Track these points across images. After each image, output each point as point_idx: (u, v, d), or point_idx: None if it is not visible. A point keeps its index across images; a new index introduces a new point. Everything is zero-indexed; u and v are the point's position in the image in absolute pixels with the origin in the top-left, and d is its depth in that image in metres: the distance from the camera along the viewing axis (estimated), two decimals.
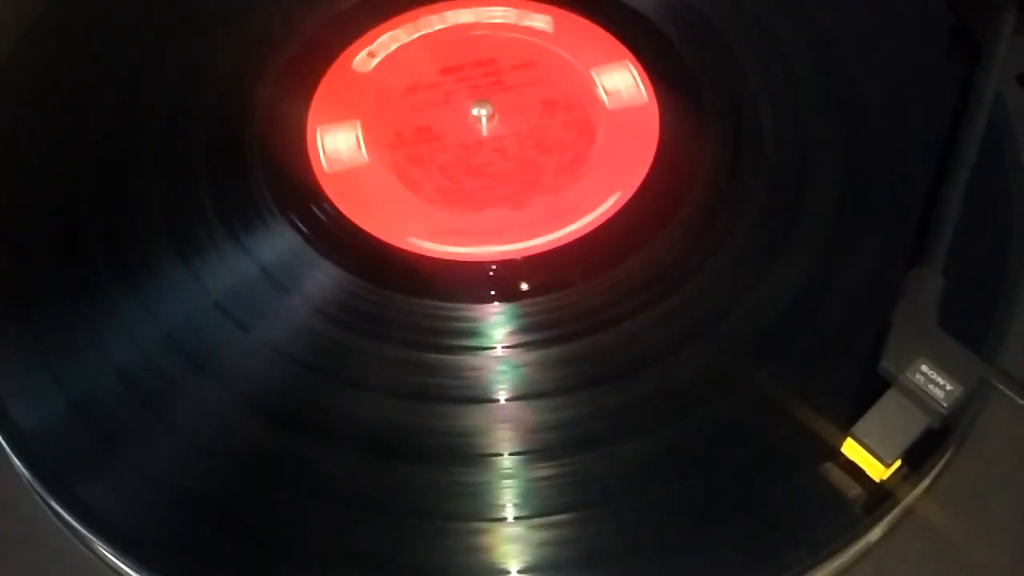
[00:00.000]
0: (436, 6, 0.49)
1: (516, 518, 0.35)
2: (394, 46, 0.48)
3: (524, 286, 0.40)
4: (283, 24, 0.49)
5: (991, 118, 0.42)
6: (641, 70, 0.47)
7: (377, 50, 0.48)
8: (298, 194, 0.43)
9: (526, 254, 0.41)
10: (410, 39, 0.48)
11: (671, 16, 0.48)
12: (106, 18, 0.51)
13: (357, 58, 0.48)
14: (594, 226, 0.42)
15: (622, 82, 0.46)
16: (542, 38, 0.48)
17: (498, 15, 0.49)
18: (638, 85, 0.46)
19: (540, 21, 0.49)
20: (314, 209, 0.43)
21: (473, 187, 0.43)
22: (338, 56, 0.48)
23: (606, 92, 0.46)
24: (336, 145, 0.45)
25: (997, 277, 0.39)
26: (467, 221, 0.42)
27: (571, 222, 0.42)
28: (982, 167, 0.41)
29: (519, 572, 0.34)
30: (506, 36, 0.48)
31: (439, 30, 0.49)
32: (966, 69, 0.44)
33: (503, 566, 0.34)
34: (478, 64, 0.47)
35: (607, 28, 0.48)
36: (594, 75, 0.47)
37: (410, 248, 0.42)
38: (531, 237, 0.42)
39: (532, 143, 0.45)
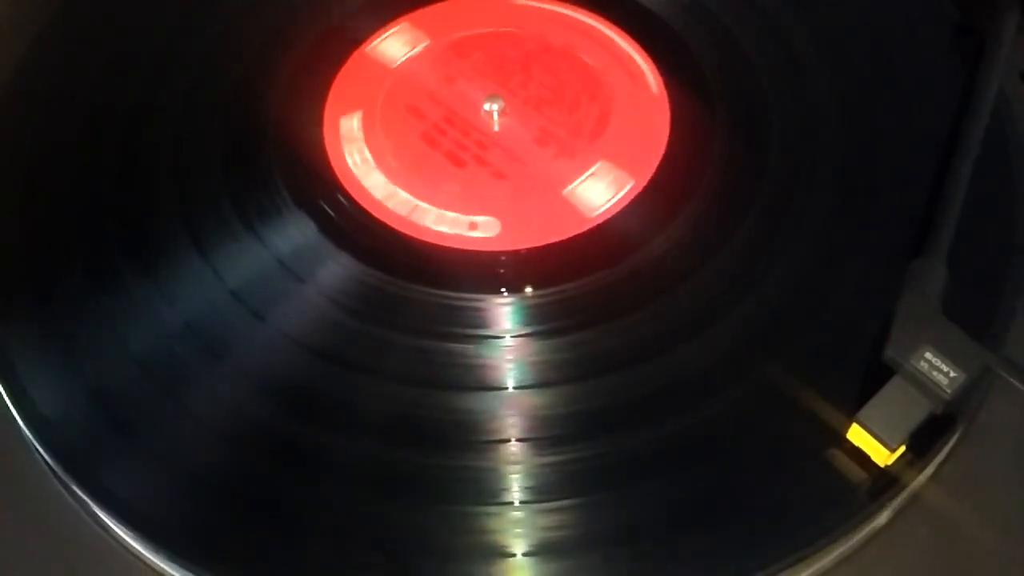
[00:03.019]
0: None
1: (522, 502, 0.35)
2: (414, 36, 0.49)
3: (531, 283, 0.41)
4: (301, 14, 0.50)
5: (994, 113, 0.43)
6: (652, 65, 0.47)
7: (396, 40, 0.49)
8: (314, 185, 0.44)
9: (536, 244, 0.42)
10: (431, 29, 0.49)
11: (680, 13, 0.48)
12: (121, 13, 0.51)
13: (376, 48, 0.49)
14: (604, 218, 0.42)
15: (635, 76, 0.47)
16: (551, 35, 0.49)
17: None
18: (649, 79, 0.47)
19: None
20: (329, 200, 0.43)
21: (483, 181, 0.44)
22: (357, 47, 0.48)
23: (618, 87, 0.47)
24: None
25: (1000, 267, 0.40)
26: (479, 212, 0.43)
27: (581, 214, 0.43)
28: (985, 160, 0.41)
29: (524, 555, 0.35)
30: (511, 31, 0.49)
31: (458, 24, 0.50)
32: (970, 66, 0.45)
33: (509, 548, 0.35)
34: (491, 58, 0.48)
35: (620, 25, 0.49)
36: (606, 73, 0.47)
37: (423, 238, 0.42)
38: (542, 228, 0.42)
39: (544, 136, 0.45)
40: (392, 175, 0.44)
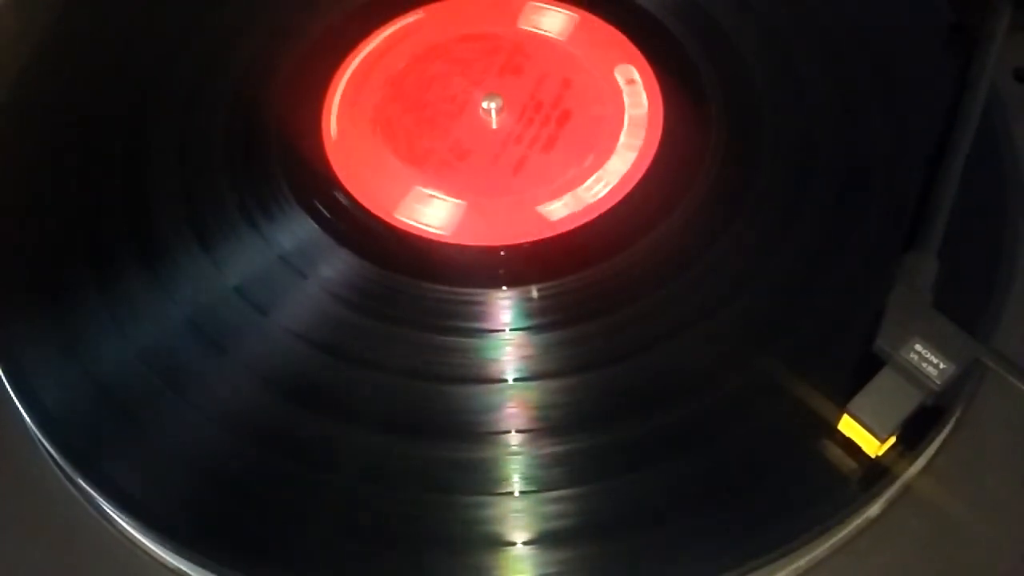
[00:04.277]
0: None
1: (522, 492, 0.36)
2: (416, 34, 0.49)
3: (531, 277, 0.41)
4: (302, 12, 0.50)
5: (986, 110, 0.43)
6: (645, 64, 0.47)
7: (398, 37, 0.49)
8: (314, 182, 0.44)
9: (534, 240, 0.42)
10: (434, 27, 0.50)
11: (674, 11, 0.49)
12: (121, 15, 0.52)
13: (378, 45, 0.49)
14: (599, 212, 0.43)
15: (626, 75, 0.47)
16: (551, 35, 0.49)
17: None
18: (641, 79, 0.47)
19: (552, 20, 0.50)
20: (329, 197, 0.44)
21: (481, 176, 0.45)
22: (357, 44, 0.49)
23: (612, 86, 0.47)
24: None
25: (991, 261, 0.40)
26: (475, 207, 0.44)
27: (577, 210, 0.43)
28: (977, 155, 0.42)
29: (524, 544, 0.35)
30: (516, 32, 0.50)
31: (457, 26, 0.50)
32: (963, 63, 0.45)
33: (509, 538, 0.35)
34: (489, 56, 0.48)
35: (615, 25, 0.49)
36: (617, 120, 0.47)
37: (423, 233, 0.43)
38: (538, 224, 0.43)
39: (540, 135, 0.46)
40: (394, 170, 0.45)
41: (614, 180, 0.44)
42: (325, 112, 0.47)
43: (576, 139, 0.46)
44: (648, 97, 0.46)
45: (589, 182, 0.44)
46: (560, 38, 0.49)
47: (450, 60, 0.48)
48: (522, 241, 0.42)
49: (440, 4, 0.50)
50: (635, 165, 0.44)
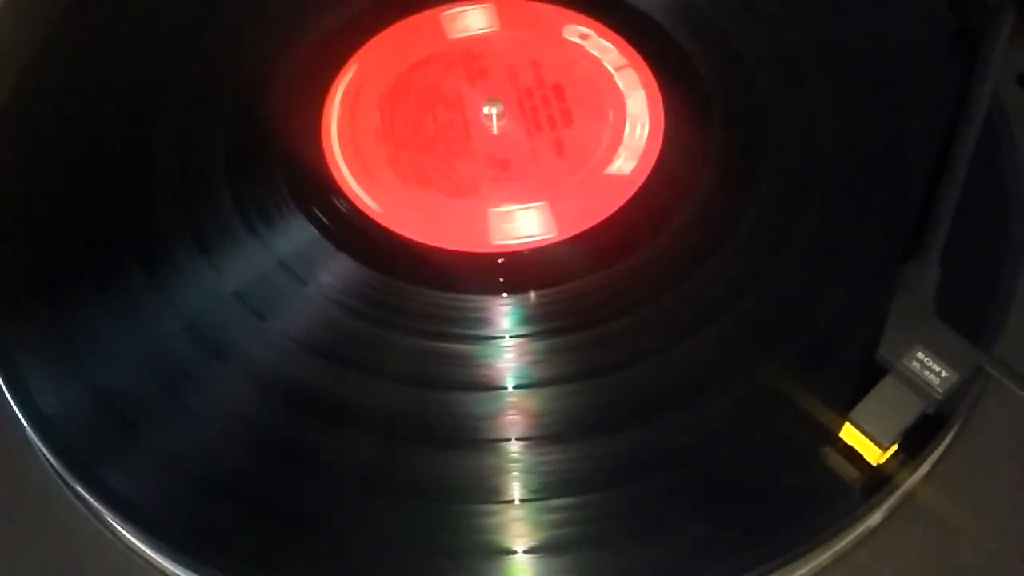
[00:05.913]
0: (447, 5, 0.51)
1: (522, 501, 0.36)
2: (415, 38, 0.49)
3: (531, 284, 0.41)
4: (302, 19, 0.50)
5: (989, 117, 0.43)
6: (646, 70, 0.47)
7: (397, 42, 0.49)
8: (315, 188, 0.44)
9: (533, 247, 0.42)
10: (433, 32, 0.50)
11: (674, 15, 0.49)
12: (122, 18, 0.52)
13: (377, 50, 0.49)
14: (599, 221, 0.43)
15: (628, 80, 0.47)
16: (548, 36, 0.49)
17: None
18: (643, 84, 0.47)
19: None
20: (330, 201, 0.44)
21: (482, 183, 0.44)
22: (358, 49, 0.49)
23: (613, 91, 0.47)
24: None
25: (994, 269, 0.40)
26: (555, 200, 0.44)
27: (578, 217, 0.43)
28: (980, 162, 0.42)
29: (524, 552, 0.35)
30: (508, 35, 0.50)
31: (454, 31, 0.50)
32: (966, 69, 0.45)
33: (509, 546, 0.35)
34: (492, 63, 0.48)
35: (615, 30, 0.49)
36: (603, 73, 0.48)
37: (423, 240, 0.43)
38: (539, 231, 0.43)
39: (553, 115, 0.46)
40: (393, 176, 0.45)
41: (643, 120, 0.45)
42: (325, 117, 0.47)
43: (585, 103, 0.46)
44: (612, 42, 0.48)
45: (627, 129, 0.45)
46: (494, 29, 0.49)
47: (416, 93, 0.48)
48: (521, 249, 0.42)
49: (366, 50, 0.49)
50: (650, 105, 0.46)
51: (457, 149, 0.46)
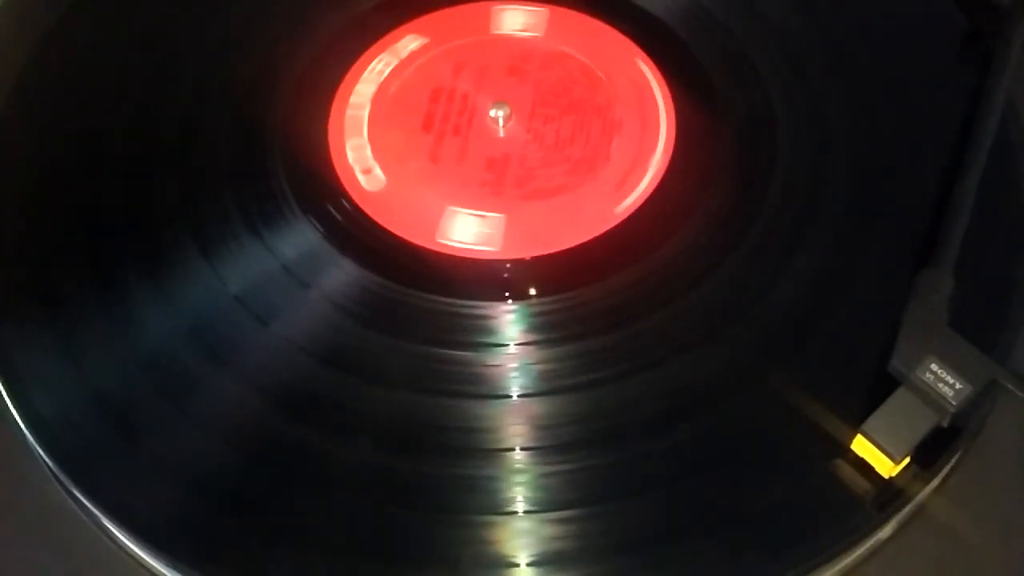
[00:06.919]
0: (453, 8, 0.50)
1: (526, 511, 0.35)
2: (421, 41, 0.49)
3: (535, 287, 0.41)
4: (306, 22, 0.50)
5: (1003, 122, 0.43)
6: (657, 73, 0.47)
7: (398, 51, 0.49)
8: (318, 191, 0.44)
9: (542, 252, 0.42)
10: (431, 41, 0.49)
11: (685, 19, 0.48)
12: (124, 18, 0.51)
13: (383, 53, 0.48)
14: (608, 227, 0.42)
15: (638, 83, 0.47)
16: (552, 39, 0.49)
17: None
18: (654, 87, 0.47)
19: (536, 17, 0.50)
20: (334, 205, 0.44)
21: (488, 187, 0.44)
22: (364, 52, 0.48)
23: (621, 92, 0.47)
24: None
25: (1008, 279, 0.40)
26: (481, 219, 0.43)
27: (584, 223, 0.43)
28: (994, 169, 0.41)
29: (528, 564, 0.35)
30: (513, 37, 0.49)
31: (458, 34, 0.50)
32: (979, 73, 0.45)
33: (513, 558, 0.35)
34: (497, 65, 0.48)
35: (621, 29, 0.49)
36: (608, 75, 0.47)
37: (428, 244, 0.42)
38: (547, 235, 0.42)
39: (549, 144, 0.45)
40: (398, 180, 0.44)
41: (626, 194, 0.43)
42: (334, 118, 0.46)
43: (587, 152, 0.45)
44: (659, 111, 0.46)
45: (598, 193, 0.44)
46: (537, 34, 0.49)
47: (425, 89, 0.48)
48: (527, 256, 0.42)
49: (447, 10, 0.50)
50: (647, 179, 0.44)
51: (460, 147, 0.45)
